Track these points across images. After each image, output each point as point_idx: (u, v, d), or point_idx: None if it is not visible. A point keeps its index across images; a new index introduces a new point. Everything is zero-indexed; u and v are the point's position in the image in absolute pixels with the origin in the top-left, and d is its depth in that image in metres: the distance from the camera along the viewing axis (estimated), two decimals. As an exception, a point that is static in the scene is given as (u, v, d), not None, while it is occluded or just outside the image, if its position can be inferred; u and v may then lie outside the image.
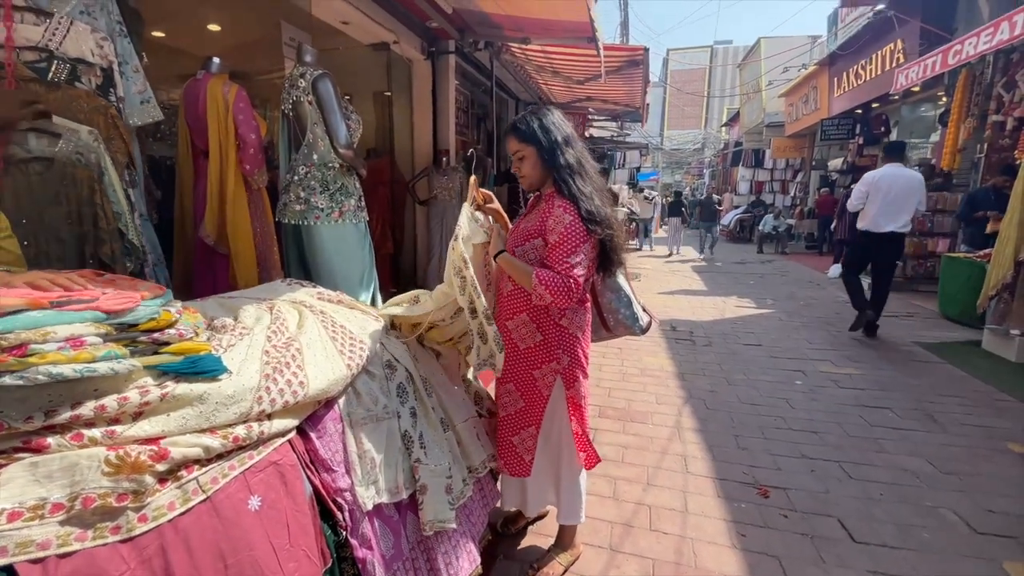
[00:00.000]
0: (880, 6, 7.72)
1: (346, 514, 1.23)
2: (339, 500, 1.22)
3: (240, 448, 1.00)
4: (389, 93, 5.27)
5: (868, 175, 4.46)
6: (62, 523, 0.74)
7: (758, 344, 4.45)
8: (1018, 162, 4.84)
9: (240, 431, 0.99)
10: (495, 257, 1.52)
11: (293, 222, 2.11)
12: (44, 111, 1.44)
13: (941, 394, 3.29)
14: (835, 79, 9.84)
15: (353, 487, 1.27)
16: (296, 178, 2.11)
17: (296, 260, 2.20)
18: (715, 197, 11.96)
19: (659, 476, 2.35)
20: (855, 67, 8.86)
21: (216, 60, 2.24)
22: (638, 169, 14.18)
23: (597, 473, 2.34)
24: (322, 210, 2.08)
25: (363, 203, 2.22)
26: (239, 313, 1.38)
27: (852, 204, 4.51)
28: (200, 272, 2.38)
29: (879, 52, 7.94)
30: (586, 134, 9.26)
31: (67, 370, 0.78)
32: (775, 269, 9.13)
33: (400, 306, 1.63)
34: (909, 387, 3.41)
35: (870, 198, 4.32)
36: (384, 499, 1.32)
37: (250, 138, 2.13)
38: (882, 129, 9.66)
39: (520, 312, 1.56)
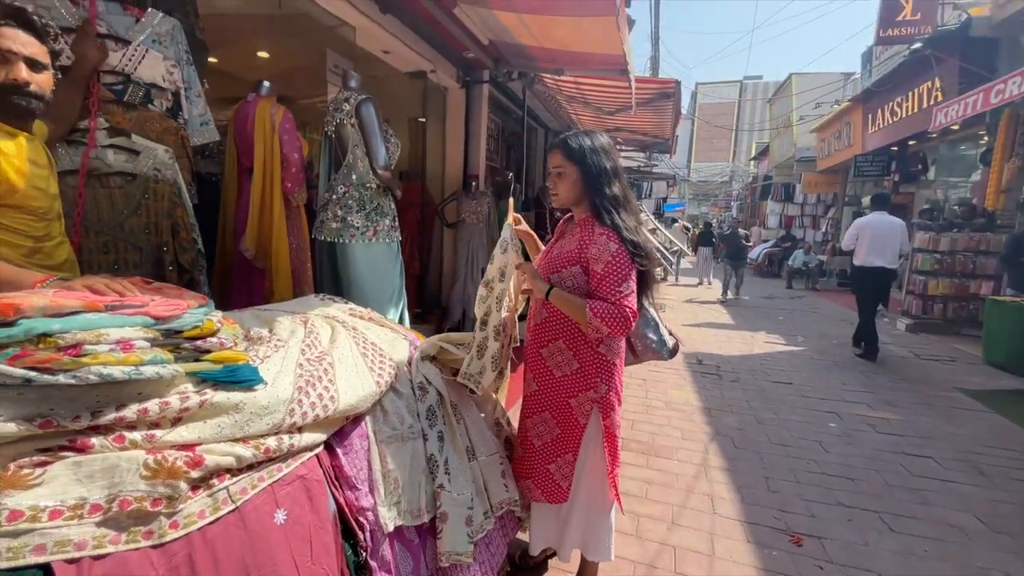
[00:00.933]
0: (917, 45, 7.66)
1: (367, 534, 1.21)
2: (361, 520, 1.21)
3: (270, 460, 1.00)
4: (423, 119, 5.44)
5: (858, 221, 5.32)
6: (99, 524, 0.75)
7: (788, 382, 4.30)
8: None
9: (271, 442, 1.00)
10: (546, 297, 1.46)
11: (329, 239, 2.17)
12: (119, 129, 1.54)
13: (988, 445, 3.10)
14: (869, 115, 9.72)
15: (376, 507, 1.25)
16: (335, 197, 2.18)
17: (329, 276, 2.26)
18: (741, 232, 9.89)
19: (684, 516, 2.25)
20: (891, 104, 8.74)
21: (266, 83, 2.36)
22: (665, 200, 14.16)
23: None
24: (357, 229, 2.14)
25: (397, 223, 2.27)
26: (274, 326, 1.41)
27: (845, 244, 5.39)
28: (238, 284, 2.45)
29: (916, 90, 7.83)
30: (614, 163, 9.33)
31: (116, 371, 0.80)
32: (805, 305, 8.87)
33: (453, 346, 1.61)
34: (953, 436, 3.22)
35: (860, 239, 5.09)
36: (405, 521, 1.30)
37: (293, 157, 2.22)
38: (919, 167, 9.45)
39: (556, 339, 1.53)
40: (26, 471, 0.74)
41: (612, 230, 1.43)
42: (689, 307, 8.44)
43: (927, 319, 6.56)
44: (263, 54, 4.32)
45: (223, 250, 2.52)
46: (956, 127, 6.98)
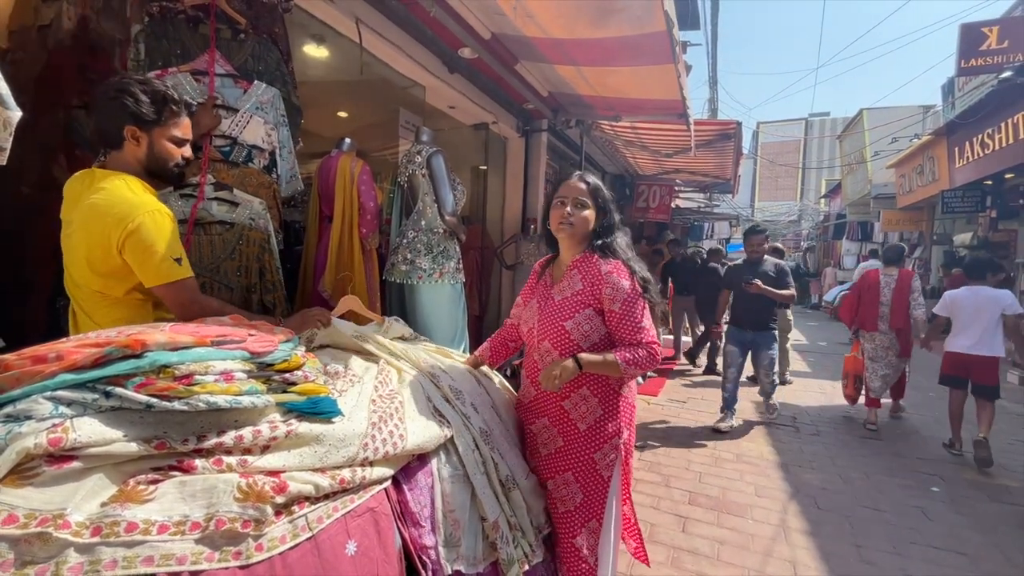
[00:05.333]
0: (1007, 73, 7.15)
1: (430, 573, 1.21)
2: (424, 558, 1.22)
3: (344, 491, 1.04)
4: (485, 167, 5.72)
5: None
6: (197, 541, 0.81)
7: (878, 439, 3.89)
8: None
9: (346, 473, 1.04)
10: (580, 367, 1.35)
11: (398, 281, 2.31)
12: (224, 184, 1.77)
13: None
14: (956, 148, 9.04)
15: (437, 546, 1.26)
16: (405, 241, 2.33)
17: (398, 315, 2.37)
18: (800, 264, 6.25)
19: (763, 583, 2.05)
20: (980, 136, 8.11)
21: (347, 140, 2.61)
22: (727, 240, 13.70)
23: (690, 569, 2.11)
24: (425, 271, 2.26)
25: (461, 266, 2.38)
26: (349, 362, 1.49)
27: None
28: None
29: (1010, 120, 7.24)
30: (672, 205, 9.20)
31: (221, 400, 0.89)
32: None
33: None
34: (1093, 510, 2.74)
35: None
36: (462, 567, 1.29)
37: (369, 206, 2.40)
38: (1020, 201, 8.57)
39: (579, 387, 1.45)
40: (141, 487, 0.83)
41: (624, 265, 1.43)
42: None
43: (1046, 371, 5.76)
44: (343, 114, 4.78)
45: (303, 290, 2.72)
46: (1062, 157, 6.33)
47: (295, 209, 3.46)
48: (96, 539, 0.74)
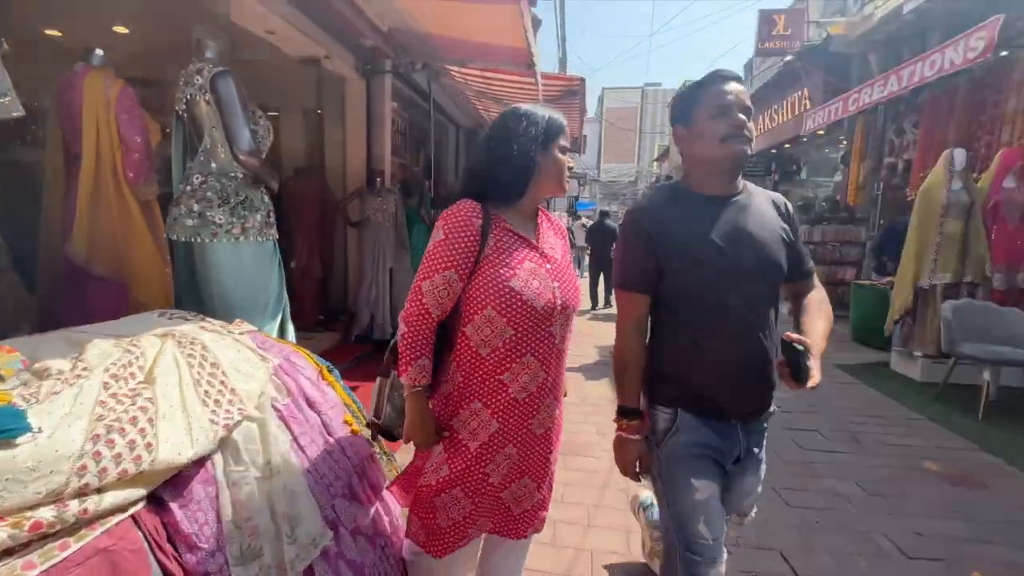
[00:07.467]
0: (788, 58, 8.52)
1: (214, 604, 0.97)
2: (205, 587, 0.96)
3: (43, 538, 0.73)
4: (320, 111, 5.02)
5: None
6: None
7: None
8: (911, 199, 5.37)
9: (45, 515, 0.73)
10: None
11: (184, 239, 1.79)
12: None
13: (861, 415, 3.45)
14: (752, 121, 10.69)
15: (227, 567, 1.01)
16: (189, 188, 1.80)
17: (187, 283, 1.87)
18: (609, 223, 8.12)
19: (600, 515, 2.21)
20: (770, 111, 9.69)
21: (99, 52, 1.94)
22: (577, 198, 14.63)
23: (535, 517, 2.17)
24: (220, 226, 1.78)
25: (272, 219, 1.94)
26: (85, 351, 1.09)
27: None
28: (69, 297, 1.99)
29: (790, 98, 8.73)
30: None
31: None
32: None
33: None
34: (833, 408, 3.54)
35: None
36: (270, 579, 1.07)
37: (134, 141, 1.83)
38: (794, 167, 10.58)
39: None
40: None
41: None
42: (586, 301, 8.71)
43: (805, 303, 7.30)
44: (120, 29, 3.68)
45: (49, 256, 2.05)
46: (822, 132, 7.85)
47: (36, 148, 2.57)
48: None
